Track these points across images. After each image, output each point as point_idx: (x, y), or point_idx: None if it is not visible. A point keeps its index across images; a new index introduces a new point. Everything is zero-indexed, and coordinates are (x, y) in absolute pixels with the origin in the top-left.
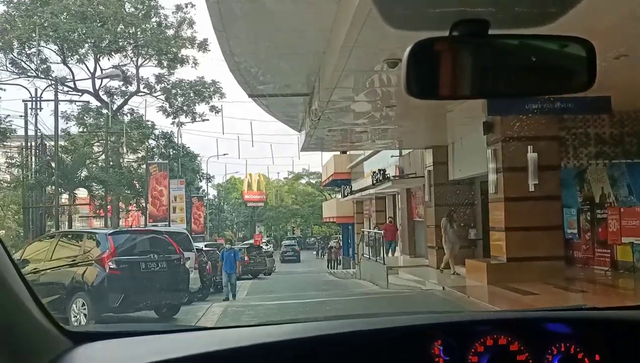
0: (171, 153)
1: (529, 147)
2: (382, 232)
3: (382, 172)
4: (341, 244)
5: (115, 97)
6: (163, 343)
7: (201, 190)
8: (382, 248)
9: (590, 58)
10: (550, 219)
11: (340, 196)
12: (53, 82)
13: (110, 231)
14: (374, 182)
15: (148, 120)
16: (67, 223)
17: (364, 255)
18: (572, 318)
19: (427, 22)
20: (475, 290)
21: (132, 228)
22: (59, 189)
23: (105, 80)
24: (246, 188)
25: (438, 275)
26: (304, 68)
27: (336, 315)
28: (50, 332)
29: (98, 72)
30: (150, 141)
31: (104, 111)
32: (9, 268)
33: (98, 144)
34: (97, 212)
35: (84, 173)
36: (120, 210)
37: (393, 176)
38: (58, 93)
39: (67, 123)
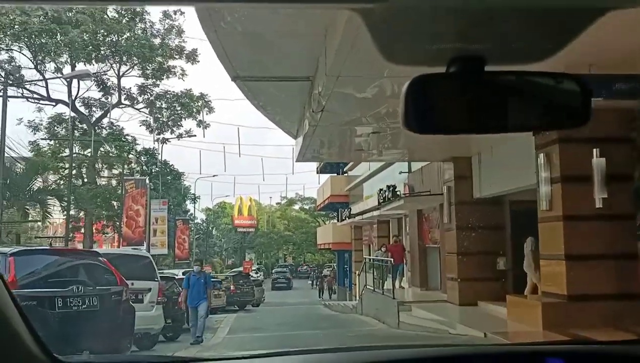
0: (153, 170)
1: (594, 150)
2: (388, 255)
3: (391, 189)
4: (336, 273)
5: (93, 108)
6: None
7: (189, 214)
8: (389, 276)
9: (585, 94)
10: (623, 244)
11: (336, 221)
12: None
13: (13, 250)
14: (381, 201)
15: (128, 135)
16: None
17: (367, 286)
18: (576, 353)
19: (425, 58)
20: (533, 339)
21: (53, 248)
22: (3, 202)
23: (80, 90)
24: (236, 213)
25: (464, 315)
26: (305, 46)
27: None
28: (40, 357)
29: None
30: (130, 157)
31: (81, 125)
32: (4, 296)
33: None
34: (71, 234)
35: (38, 185)
36: (98, 232)
37: (404, 194)
38: (18, 96)
39: (34, 133)
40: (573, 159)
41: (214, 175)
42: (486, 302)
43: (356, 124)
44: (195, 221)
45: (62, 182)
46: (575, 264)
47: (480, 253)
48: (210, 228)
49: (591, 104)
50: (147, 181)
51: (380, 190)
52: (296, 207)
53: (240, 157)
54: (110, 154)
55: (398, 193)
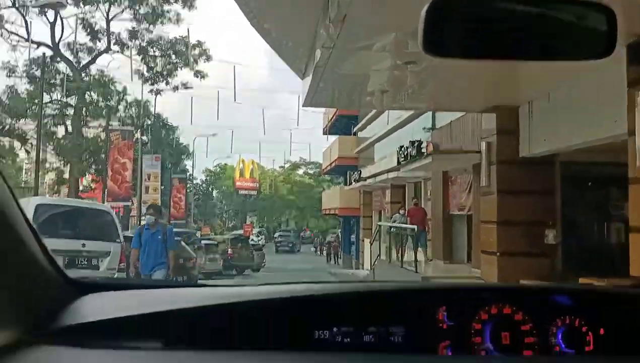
0: (145, 124)
1: None
2: (408, 221)
3: (416, 145)
4: (340, 240)
5: (80, 54)
6: (172, 295)
7: (188, 173)
8: (410, 245)
9: (610, 23)
10: None
11: (344, 186)
12: None
13: None
14: (401, 160)
15: (116, 81)
16: None
17: (380, 256)
18: (579, 292)
19: None
20: None
21: None
22: None
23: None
24: (238, 175)
25: None
26: None
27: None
28: (56, 280)
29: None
30: (120, 108)
31: (65, 70)
32: (18, 216)
33: (53, 105)
34: (54, 186)
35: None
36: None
37: (433, 151)
38: None
39: (9, 76)
40: None
41: (213, 134)
42: (531, 281)
43: (384, 47)
44: (195, 181)
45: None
46: None
47: (525, 223)
48: (210, 189)
49: (616, 33)
50: (139, 134)
51: (401, 147)
52: (300, 171)
53: (236, 101)
54: (99, 103)
55: (423, 150)
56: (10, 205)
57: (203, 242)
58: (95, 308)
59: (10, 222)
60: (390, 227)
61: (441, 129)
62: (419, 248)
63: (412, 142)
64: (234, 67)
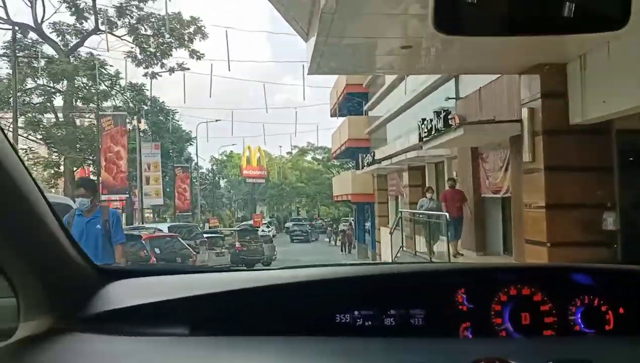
0: (142, 110)
1: None
2: (440, 206)
3: (442, 116)
4: (354, 228)
5: (67, 36)
6: (196, 281)
7: (193, 162)
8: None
9: None
10: None
11: (355, 170)
12: None
13: None
14: (424, 136)
15: (107, 63)
16: None
17: (404, 248)
18: (598, 271)
19: None
20: None
21: None
22: None
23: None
24: (245, 163)
25: None
26: None
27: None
28: (84, 268)
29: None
30: (113, 92)
31: (48, 52)
32: (44, 206)
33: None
34: (50, 180)
35: None
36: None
37: (464, 123)
38: None
39: None
40: None
41: (216, 120)
42: None
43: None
44: (200, 171)
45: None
46: None
47: (580, 206)
48: (217, 178)
49: (630, 2)
50: (136, 121)
51: (423, 120)
52: (308, 157)
53: (230, 70)
54: (90, 88)
55: (451, 122)
56: (38, 199)
57: (208, 235)
58: (122, 295)
59: (39, 215)
60: (414, 214)
61: (467, 99)
62: (453, 240)
63: (437, 113)
64: (226, 31)
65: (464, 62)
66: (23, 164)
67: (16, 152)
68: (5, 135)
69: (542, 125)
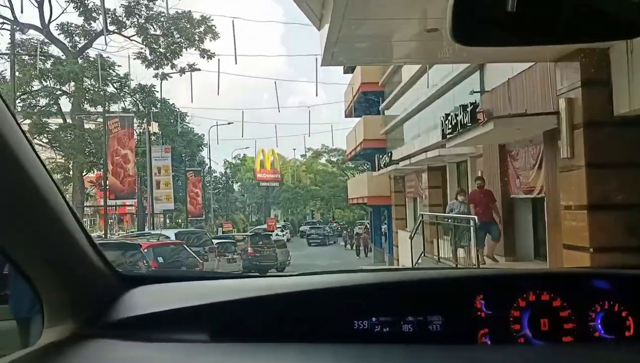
0: (152, 112)
1: None
2: (471, 209)
3: (469, 110)
4: (370, 231)
5: (75, 38)
6: (216, 287)
7: (206, 166)
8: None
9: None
10: None
11: (372, 172)
12: None
13: None
14: (448, 132)
15: (115, 64)
16: None
17: (425, 254)
18: (617, 277)
19: None
20: None
21: None
22: None
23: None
24: (258, 166)
25: None
26: None
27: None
28: (106, 274)
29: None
30: (122, 94)
31: (57, 54)
32: (67, 212)
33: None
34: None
35: None
36: (94, 185)
37: (494, 117)
38: None
39: None
40: None
41: (229, 123)
42: None
43: None
44: (214, 174)
45: (33, 119)
46: None
47: (626, 206)
48: (230, 182)
49: None
50: (146, 123)
51: (447, 115)
52: (322, 160)
53: (237, 63)
54: (99, 90)
55: (478, 115)
56: (62, 205)
57: (218, 241)
58: (144, 301)
59: (63, 223)
60: (437, 217)
61: (494, 92)
62: (485, 244)
63: (463, 107)
64: (232, 21)
65: (493, 50)
66: (44, 166)
67: (37, 154)
68: (27, 137)
69: (583, 117)
